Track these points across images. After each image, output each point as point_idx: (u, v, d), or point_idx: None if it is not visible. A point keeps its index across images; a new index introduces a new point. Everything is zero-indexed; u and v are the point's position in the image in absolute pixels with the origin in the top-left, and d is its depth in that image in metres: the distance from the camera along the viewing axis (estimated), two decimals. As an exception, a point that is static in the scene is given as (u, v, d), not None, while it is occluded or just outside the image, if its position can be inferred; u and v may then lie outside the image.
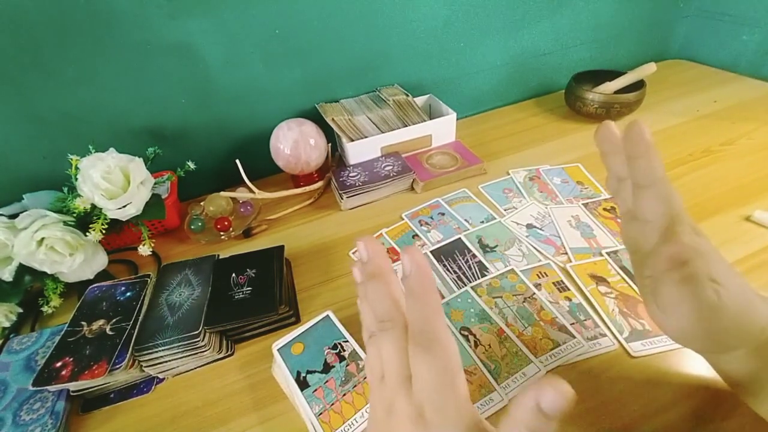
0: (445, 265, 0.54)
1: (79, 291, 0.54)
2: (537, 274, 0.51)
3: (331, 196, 0.72)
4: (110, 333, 0.45)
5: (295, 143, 0.67)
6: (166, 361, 0.45)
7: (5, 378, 0.46)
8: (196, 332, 0.44)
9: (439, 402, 0.21)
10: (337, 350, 0.44)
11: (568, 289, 0.49)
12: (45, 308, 0.55)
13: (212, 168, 0.75)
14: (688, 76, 0.96)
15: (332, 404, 0.40)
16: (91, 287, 0.52)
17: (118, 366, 0.42)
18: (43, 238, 0.51)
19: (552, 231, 0.58)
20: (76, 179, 0.55)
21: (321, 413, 0.39)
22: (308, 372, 0.43)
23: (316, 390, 0.41)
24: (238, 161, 0.67)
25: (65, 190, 0.58)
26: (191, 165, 0.66)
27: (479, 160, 0.72)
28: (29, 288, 0.55)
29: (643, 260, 0.30)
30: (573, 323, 0.45)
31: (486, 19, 0.82)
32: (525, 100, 0.96)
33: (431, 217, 0.63)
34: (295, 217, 0.69)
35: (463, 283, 0.51)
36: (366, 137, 0.72)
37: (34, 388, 0.42)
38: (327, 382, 0.42)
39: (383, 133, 0.72)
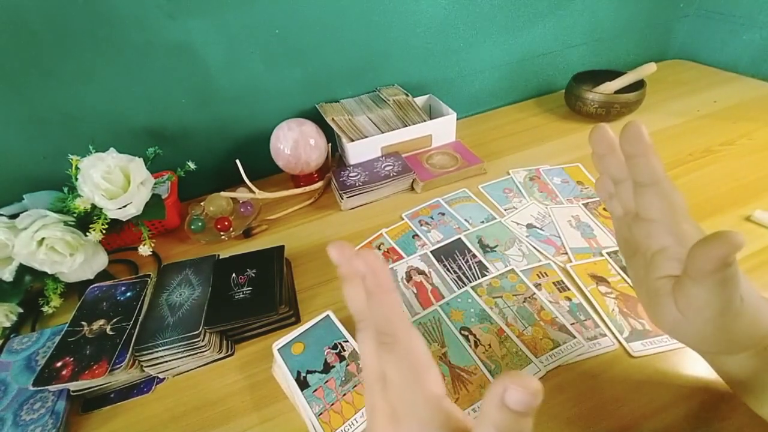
0: (445, 265, 0.54)
1: (79, 291, 0.54)
2: (537, 274, 0.51)
3: (331, 196, 0.72)
4: (110, 333, 0.45)
5: (295, 143, 0.67)
6: (166, 361, 0.45)
7: (6, 378, 0.46)
8: (197, 332, 0.44)
9: (409, 400, 0.21)
10: (338, 350, 0.44)
11: (568, 289, 0.49)
12: (45, 308, 0.55)
13: (212, 168, 0.75)
14: (688, 76, 0.96)
15: (332, 404, 0.40)
16: (91, 287, 0.52)
17: (118, 366, 0.42)
18: (43, 238, 0.51)
19: (552, 231, 0.58)
20: (76, 179, 0.55)
21: (321, 413, 0.39)
22: (308, 372, 0.43)
23: (316, 390, 0.41)
24: (238, 161, 0.67)
25: (65, 190, 0.58)
26: (191, 165, 0.66)
27: (479, 160, 0.72)
28: (29, 288, 0.55)
29: (653, 261, 0.29)
30: (573, 323, 0.45)
31: (486, 19, 0.82)
32: (525, 100, 0.96)
33: (431, 217, 0.63)
34: (295, 217, 0.69)
35: (463, 283, 0.51)
36: (366, 137, 0.72)
37: (35, 388, 0.42)
38: (327, 382, 0.42)
39: (383, 133, 0.72)
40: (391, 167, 0.70)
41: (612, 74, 0.83)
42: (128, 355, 0.43)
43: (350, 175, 0.70)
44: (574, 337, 0.44)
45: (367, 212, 0.67)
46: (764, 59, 0.89)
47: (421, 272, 0.54)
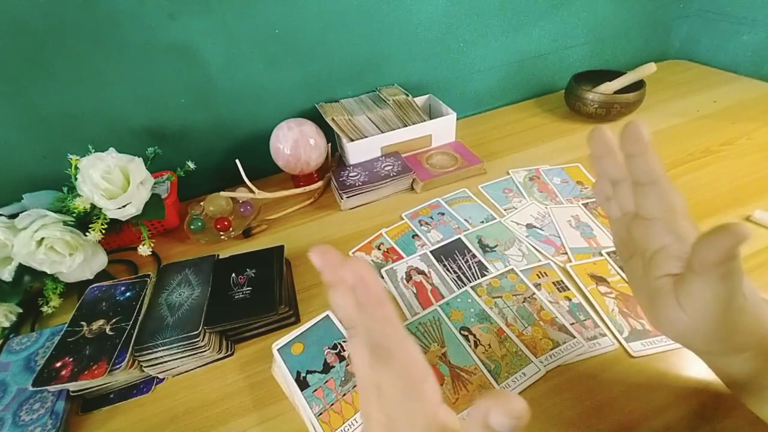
0: (445, 265, 0.54)
1: (78, 291, 0.54)
2: (537, 274, 0.51)
3: (331, 196, 0.72)
4: (110, 333, 0.45)
5: (295, 143, 0.67)
6: (165, 361, 0.44)
7: (5, 378, 0.46)
8: (196, 332, 0.44)
9: (405, 412, 0.21)
10: (337, 350, 0.44)
11: (568, 289, 0.49)
12: (45, 308, 0.55)
13: (212, 168, 0.75)
14: (688, 76, 0.96)
15: (332, 404, 0.40)
16: (90, 287, 0.52)
17: (117, 366, 0.42)
18: (42, 238, 0.50)
19: (552, 231, 0.58)
20: (76, 179, 0.55)
21: (321, 413, 0.39)
22: (308, 372, 0.43)
23: (316, 390, 0.41)
24: (238, 161, 0.67)
25: (65, 190, 0.58)
26: (191, 165, 0.66)
27: (479, 160, 0.72)
28: (29, 288, 0.55)
29: (653, 260, 0.29)
30: (573, 323, 0.45)
31: (486, 19, 0.82)
32: (525, 100, 0.96)
33: (431, 217, 0.63)
34: (295, 217, 0.69)
35: (463, 283, 0.51)
36: (366, 137, 0.72)
37: (34, 389, 0.42)
38: (327, 382, 0.42)
39: (383, 133, 0.72)
40: (391, 167, 0.70)
41: (612, 74, 0.83)
42: (128, 356, 0.43)
43: (350, 175, 0.70)
44: (574, 337, 0.44)
45: (366, 212, 0.67)
46: (764, 59, 0.89)
47: (421, 272, 0.54)
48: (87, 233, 0.54)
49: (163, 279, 0.52)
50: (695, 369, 0.39)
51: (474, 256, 0.55)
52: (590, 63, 0.97)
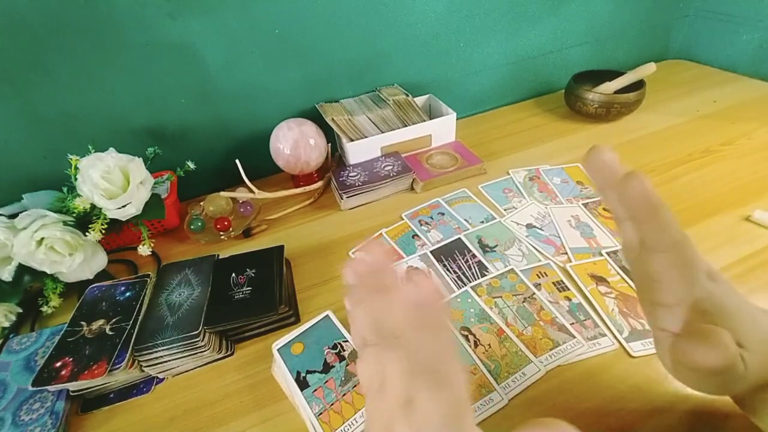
0: (445, 265, 0.54)
1: (78, 291, 0.54)
2: (537, 274, 0.51)
3: (331, 196, 0.72)
4: (110, 333, 0.45)
5: (295, 143, 0.67)
6: (165, 361, 0.44)
7: (5, 378, 0.46)
8: (196, 332, 0.44)
9: (446, 429, 0.20)
10: (337, 350, 0.44)
11: (568, 289, 0.49)
12: (44, 308, 0.55)
13: (212, 168, 0.75)
14: (688, 76, 0.96)
15: (332, 404, 0.40)
16: (90, 287, 0.52)
17: (117, 366, 0.42)
18: (42, 238, 0.50)
19: (552, 231, 0.58)
20: (76, 179, 0.55)
21: (321, 413, 0.39)
22: (308, 372, 0.43)
23: (316, 390, 0.41)
24: (238, 161, 0.67)
25: (65, 190, 0.58)
26: (191, 165, 0.66)
27: (479, 160, 0.72)
28: (29, 288, 0.55)
29: (656, 310, 0.26)
30: (573, 323, 0.45)
31: (486, 19, 0.82)
32: (525, 100, 0.96)
33: (431, 217, 0.63)
34: (295, 217, 0.69)
35: (463, 283, 0.51)
36: (366, 137, 0.72)
37: (34, 388, 0.42)
38: (327, 382, 0.42)
39: (383, 133, 0.72)
40: (391, 167, 0.70)
41: (612, 74, 0.83)
42: (127, 355, 0.43)
43: (350, 175, 0.70)
44: (574, 337, 0.44)
45: (366, 212, 0.67)
46: (764, 59, 0.89)
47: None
48: (87, 233, 0.54)
49: (163, 279, 0.52)
50: (695, 369, 0.39)
51: (474, 256, 0.55)
52: (590, 63, 0.97)
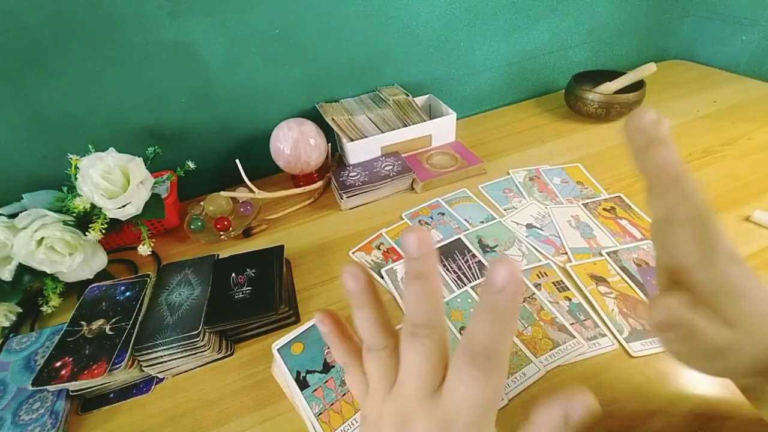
0: (445, 265, 0.54)
1: (78, 291, 0.54)
2: (537, 274, 0.51)
3: (331, 196, 0.72)
4: (110, 333, 0.45)
5: (295, 143, 0.67)
6: (165, 361, 0.44)
7: (5, 378, 0.46)
8: (196, 332, 0.44)
9: (476, 425, 0.20)
10: (337, 350, 0.44)
11: (568, 289, 0.49)
12: (44, 308, 0.55)
13: (212, 168, 0.75)
14: (688, 76, 0.96)
15: (332, 404, 0.40)
16: (90, 287, 0.52)
17: (117, 366, 0.42)
18: (42, 238, 0.50)
19: (552, 231, 0.58)
20: (76, 179, 0.55)
21: (321, 413, 0.39)
22: (308, 372, 0.43)
23: (315, 390, 0.41)
24: (238, 161, 0.67)
25: (65, 189, 0.58)
26: (191, 165, 0.66)
27: (479, 160, 0.72)
28: (29, 288, 0.55)
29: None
30: (573, 323, 0.45)
31: (486, 19, 0.82)
32: (525, 100, 0.96)
33: (431, 217, 0.63)
34: (295, 217, 0.69)
35: (463, 283, 0.51)
36: (366, 137, 0.72)
37: (34, 388, 0.42)
38: (327, 381, 0.42)
39: (383, 133, 0.72)
40: (391, 167, 0.70)
41: (612, 74, 0.83)
42: (127, 355, 0.43)
43: (350, 174, 0.70)
44: (574, 337, 0.44)
45: (366, 212, 0.67)
46: (764, 59, 0.89)
47: (421, 272, 0.54)
48: (87, 233, 0.54)
49: (163, 279, 0.52)
50: (695, 369, 0.39)
51: (474, 256, 0.55)
52: (590, 63, 0.97)
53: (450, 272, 0.53)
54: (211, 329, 0.46)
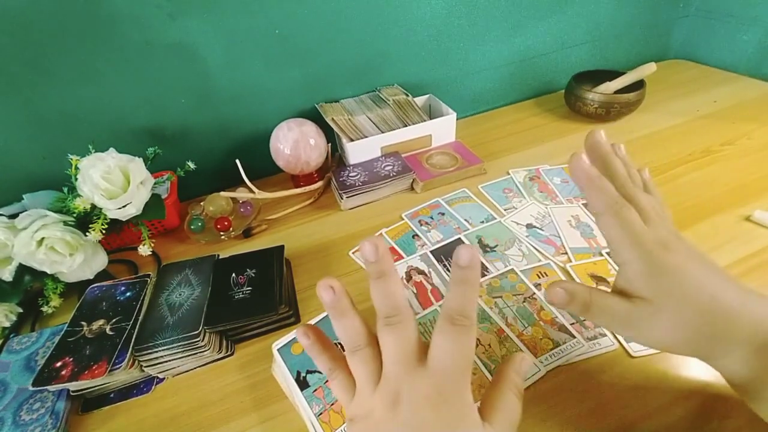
0: (445, 265, 0.54)
1: (79, 291, 0.54)
2: (537, 274, 0.51)
3: (331, 196, 0.72)
4: (110, 333, 0.45)
5: (295, 143, 0.67)
6: (166, 361, 0.44)
7: (5, 378, 0.46)
8: (196, 332, 0.44)
9: (459, 383, 0.24)
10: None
11: (568, 289, 0.49)
12: (45, 308, 0.55)
13: (212, 168, 0.75)
14: (688, 76, 0.96)
15: (332, 404, 0.40)
16: (91, 287, 0.52)
17: (118, 366, 0.42)
18: (43, 238, 0.51)
19: (552, 231, 0.58)
20: (76, 179, 0.55)
21: (321, 413, 0.39)
22: (308, 372, 0.43)
23: (316, 390, 0.41)
24: (238, 161, 0.67)
25: (65, 190, 0.58)
26: (191, 165, 0.66)
27: (479, 160, 0.72)
28: (29, 288, 0.55)
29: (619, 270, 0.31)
30: (573, 323, 0.45)
31: (486, 19, 0.82)
32: (525, 100, 0.96)
33: (431, 217, 0.63)
34: (295, 217, 0.69)
35: (463, 283, 0.51)
36: (366, 137, 0.72)
37: (34, 388, 0.42)
38: (327, 382, 0.42)
39: (383, 133, 0.72)
40: (391, 167, 0.70)
41: (612, 74, 0.83)
42: (128, 355, 0.43)
43: (350, 175, 0.70)
44: (574, 337, 0.44)
45: (366, 212, 0.67)
46: (764, 59, 0.89)
47: (421, 272, 0.54)
48: (87, 233, 0.54)
49: (163, 279, 0.52)
50: (695, 369, 0.39)
51: (474, 256, 0.55)
52: (590, 63, 0.97)
53: (450, 272, 0.53)
54: (212, 329, 0.46)
